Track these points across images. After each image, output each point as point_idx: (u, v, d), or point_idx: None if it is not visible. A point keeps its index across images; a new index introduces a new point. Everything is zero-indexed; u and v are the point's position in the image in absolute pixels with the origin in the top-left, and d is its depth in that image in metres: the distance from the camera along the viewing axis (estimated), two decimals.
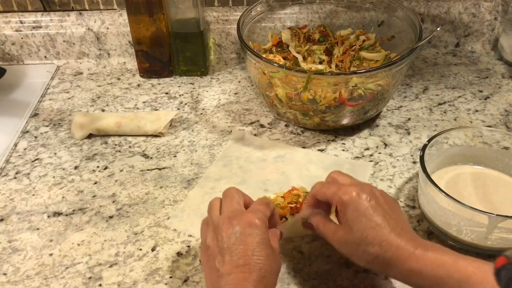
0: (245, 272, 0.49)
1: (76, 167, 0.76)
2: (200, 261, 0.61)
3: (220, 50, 1.04)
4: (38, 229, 0.66)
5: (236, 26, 0.83)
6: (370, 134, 0.82)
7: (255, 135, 0.82)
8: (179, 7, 0.89)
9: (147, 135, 0.82)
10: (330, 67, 0.83)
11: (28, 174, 0.75)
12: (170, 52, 0.95)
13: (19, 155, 0.79)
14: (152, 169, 0.75)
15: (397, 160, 0.76)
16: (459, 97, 0.90)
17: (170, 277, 0.59)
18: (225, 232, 0.51)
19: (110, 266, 0.61)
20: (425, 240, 0.51)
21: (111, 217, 0.68)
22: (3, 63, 1.03)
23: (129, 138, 0.82)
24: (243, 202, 0.56)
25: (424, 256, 0.47)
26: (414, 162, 0.76)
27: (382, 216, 0.50)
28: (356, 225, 0.50)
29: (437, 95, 0.91)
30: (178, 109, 0.89)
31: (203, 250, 0.54)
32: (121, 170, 0.75)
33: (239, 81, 0.96)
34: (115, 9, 1.01)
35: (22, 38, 1.00)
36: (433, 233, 0.64)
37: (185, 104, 0.90)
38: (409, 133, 0.82)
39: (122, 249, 0.63)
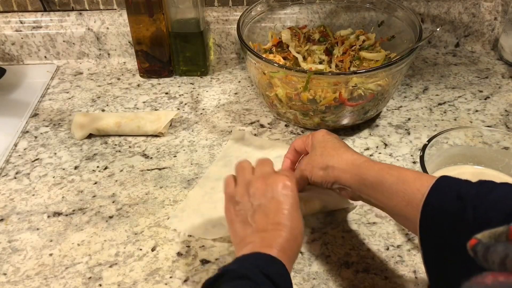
0: (279, 230, 0.50)
1: (76, 167, 0.76)
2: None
3: (220, 50, 1.04)
4: (38, 229, 0.66)
5: (236, 26, 0.83)
6: (370, 134, 0.82)
7: (255, 135, 0.82)
8: (179, 7, 0.89)
9: (147, 135, 0.82)
10: (330, 67, 0.83)
11: (28, 174, 0.75)
12: (170, 52, 0.95)
13: (19, 155, 0.79)
14: (152, 169, 0.75)
15: (397, 160, 0.76)
16: (459, 97, 0.90)
17: (170, 277, 0.59)
18: (259, 190, 0.53)
19: (110, 266, 0.61)
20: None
21: (111, 217, 0.68)
22: (3, 63, 1.03)
23: (129, 138, 0.82)
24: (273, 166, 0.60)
25: (383, 167, 0.53)
26: (414, 162, 0.76)
27: (343, 145, 0.59)
28: (319, 146, 0.59)
29: (437, 95, 0.91)
30: (178, 109, 0.89)
31: (229, 206, 0.55)
32: (121, 170, 0.75)
33: (239, 81, 0.96)
34: (115, 9, 1.01)
35: (22, 38, 1.00)
36: None
37: (185, 104, 0.90)
38: (409, 133, 0.82)
39: (122, 249, 0.63)
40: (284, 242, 0.49)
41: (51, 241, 0.65)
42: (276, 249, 0.48)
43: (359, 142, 0.80)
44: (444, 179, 0.48)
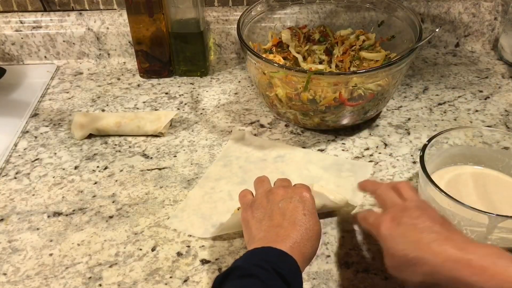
0: (294, 228, 0.51)
1: (76, 167, 0.76)
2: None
3: (220, 50, 1.04)
4: (38, 229, 0.66)
5: (236, 26, 0.82)
6: (370, 134, 0.82)
7: (255, 135, 0.82)
8: (179, 7, 0.89)
9: (147, 135, 0.82)
10: (330, 67, 0.83)
11: (28, 174, 0.75)
12: (170, 52, 0.95)
13: (19, 155, 0.79)
14: (152, 169, 0.75)
15: (397, 160, 0.76)
16: (459, 97, 0.90)
17: (170, 277, 0.59)
18: (279, 196, 0.55)
19: (110, 266, 0.61)
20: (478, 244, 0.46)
21: (111, 217, 0.68)
22: (3, 63, 1.03)
23: (129, 138, 0.82)
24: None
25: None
26: (414, 162, 0.76)
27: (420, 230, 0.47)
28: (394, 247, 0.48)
29: (437, 95, 0.91)
30: (178, 109, 0.89)
31: (247, 213, 0.56)
32: (121, 170, 0.75)
33: (239, 81, 0.96)
34: (115, 9, 1.01)
35: (22, 38, 1.00)
36: None
37: (185, 104, 0.90)
38: (409, 133, 0.82)
39: (122, 249, 0.63)
40: (298, 239, 0.50)
41: (51, 241, 0.65)
42: (289, 245, 0.49)
43: (359, 142, 0.80)
44: None
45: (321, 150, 0.78)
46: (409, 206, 0.52)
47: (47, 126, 0.85)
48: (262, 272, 0.44)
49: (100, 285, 0.59)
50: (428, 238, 0.46)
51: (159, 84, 0.96)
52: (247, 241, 0.55)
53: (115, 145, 0.81)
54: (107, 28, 1.00)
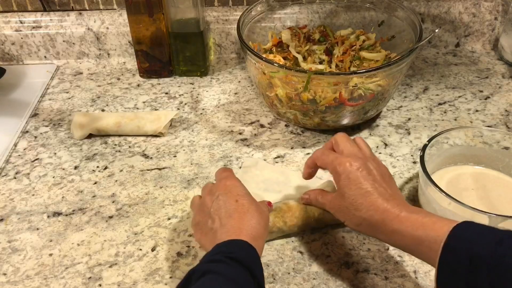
0: (236, 218, 0.53)
1: (76, 167, 0.76)
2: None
3: (220, 50, 1.04)
4: (38, 229, 0.66)
5: (236, 26, 0.82)
6: (370, 134, 0.82)
7: (255, 135, 0.82)
8: (179, 7, 0.89)
9: (147, 135, 0.82)
10: (330, 67, 0.83)
11: (28, 174, 0.75)
12: (170, 52, 0.95)
13: (19, 155, 0.79)
14: (152, 169, 0.75)
15: (397, 160, 0.76)
16: (459, 97, 0.90)
17: (170, 277, 0.59)
18: (209, 202, 0.56)
19: (110, 266, 0.61)
20: (412, 206, 0.53)
21: (111, 217, 0.68)
22: (3, 63, 1.02)
23: (129, 138, 0.82)
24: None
25: (407, 217, 0.50)
26: (414, 162, 0.76)
27: (371, 184, 0.54)
28: (347, 192, 0.55)
29: (437, 95, 0.91)
30: (178, 109, 0.89)
31: (195, 229, 0.58)
32: (121, 170, 0.75)
33: (239, 81, 0.96)
34: (115, 9, 1.01)
35: (22, 38, 1.00)
36: None
37: (185, 104, 0.90)
38: (409, 133, 0.82)
39: (122, 249, 0.63)
40: (238, 224, 0.52)
41: (51, 241, 0.64)
42: (232, 232, 0.51)
43: None
44: (459, 230, 0.46)
45: None
46: (367, 156, 0.58)
47: (47, 126, 0.85)
48: (218, 265, 0.46)
49: (100, 285, 0.59)
50: (377, 192, 0.53)
51: (159, 84, 0.96)
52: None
53: (115, 145, 0.81)
54: (107, 28, 1.00)
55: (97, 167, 0.76)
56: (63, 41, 1.01)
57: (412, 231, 0.49)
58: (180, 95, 0.92)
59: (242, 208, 0.54)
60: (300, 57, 0.84)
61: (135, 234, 0.65)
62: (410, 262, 0.60)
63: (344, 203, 0.55)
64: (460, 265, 0.44)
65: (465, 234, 0.45)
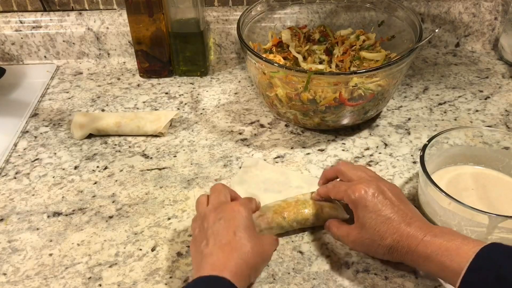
0: (226, 251, 0.50)
1: (76, 167, 0.76)
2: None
3: (220, 50, 1.04)
4: (38, 229, 0.66)
5: (236, 26, 0.82)
6: (370, 134, 0.82)
7: (255, 135, 0.82)
8: (179, 7, 0.89)
9: (147, 135, 0.82)
10: (330, 67, 0.83)
11: (28, 174, 0.75)
12: (170, 52, 0.95)
13: (19, 155, 0.79)
14: (152, 169, 0.75)
15: (397, 160, 0.76)
16: (459, 97, 0.90)
17: (170, 277, 0.59)
18: (211, 219, 0.54)
19: (110, 266, 0.61)
20: (435, 226, 0.53)
21: (111, 217, 0.68)
22: (3, 63, 1.02)
23: (129, 138, 0.82)
24: (229, 196, 0.59)
25: (432, 242, 0.50)
26: (414, 162, 0.76)
27: (391, 209, 0.53)
28: (368, 222, 0.54)
29: (437, 95, 0.91)
30: (178, 109, 0.89)
31: (192, 243, 0.56)
32: (121, 170, 0.75)
33: (239, 81, 0.96)
34: (115, 9, 1.01)
35: (22, 38, 1.00)
36: None
37: (185, 104, 0.90)
38: (409, 133, 0.82)
39: (122, 249, 0.63)
40: (225, 260, 0.50)
41: (51, 241, 0.64)
42: (218, 269, 0.49)
43: (359, 142, 0.80)
44: (487, 251, 0.46)
45: (321, 150, 0.78)
46: (375, 176, 0.58)
47: (47, 126, 0.85)
48: None
49: (100, 285, 0.59)
50: (398, 216, 0.53)
51: (159, 84, 0.96)
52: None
53: (115, 145, 0.81)
54: (107, 28, 1.00)
55: (97, 167, 0.76)
56: (63, 41, 1.01)
57: (437, 257, 0.49)
58: (180, 95, 0.92)
59: (236, 244, 0.51)
60: (300, 57, 0.84)
61: (135, 234, 0.65)
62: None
63: (366, 235, 0.55)
64: (486, 284, 0.44)
65: (493, 255, 0.46)
